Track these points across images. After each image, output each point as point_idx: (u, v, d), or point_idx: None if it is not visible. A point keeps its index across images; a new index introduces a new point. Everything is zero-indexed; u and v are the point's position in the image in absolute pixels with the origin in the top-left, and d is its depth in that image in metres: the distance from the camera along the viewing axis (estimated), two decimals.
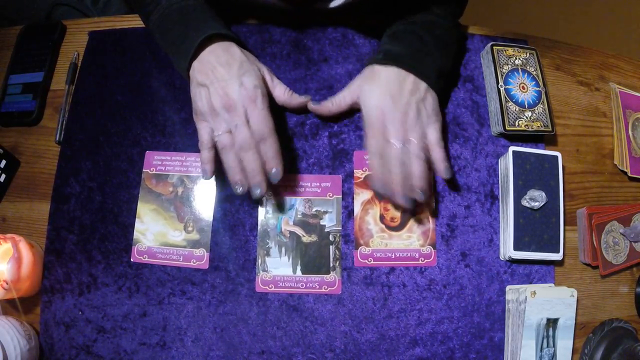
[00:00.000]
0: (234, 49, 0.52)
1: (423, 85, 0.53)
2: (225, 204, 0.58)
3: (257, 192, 0.49)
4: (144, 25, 0.64)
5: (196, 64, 0.51)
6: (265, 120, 0.49)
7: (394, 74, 0.52)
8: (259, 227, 0.57)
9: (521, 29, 0.69)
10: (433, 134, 0.52)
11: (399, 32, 0.56)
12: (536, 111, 0.59)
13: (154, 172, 0.59)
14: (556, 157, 0.57)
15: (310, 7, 0.59)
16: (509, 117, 0.58)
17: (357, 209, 0.58)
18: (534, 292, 0.53)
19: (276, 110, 0.61)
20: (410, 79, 0.52)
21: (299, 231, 0.57)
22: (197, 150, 0.59)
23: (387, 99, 0.51)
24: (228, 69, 0.50)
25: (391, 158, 0.50)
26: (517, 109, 0.59)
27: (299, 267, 0.56)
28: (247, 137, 0.49)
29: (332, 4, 0.56)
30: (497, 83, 0.60)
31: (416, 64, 0.53)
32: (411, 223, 0.58)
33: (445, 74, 0.57)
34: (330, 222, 0.57)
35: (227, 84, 0.49)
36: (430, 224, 0.58)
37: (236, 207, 0.58)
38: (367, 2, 0.57)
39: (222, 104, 0.49)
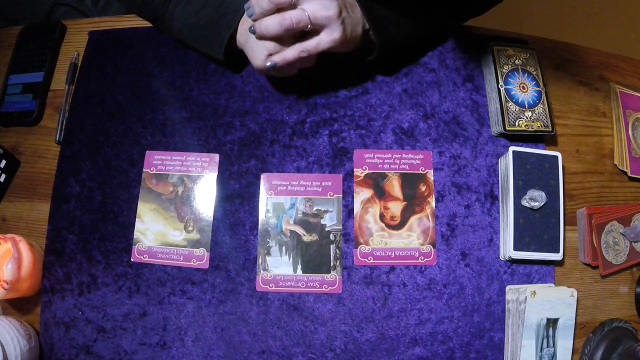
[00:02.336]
0: None
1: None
2: (226, 203, 0.58)
3: None
4: (143, 26, 0.64)
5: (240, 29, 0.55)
6: None
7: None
8: (259, 226, 0.57)
9: (521, 29, 0.69)
10: (324, 37, 0.52)
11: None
12: (536, 111, 0.59)
13: (154, 171, 0.59)
14: (556, 157, 0.57)
15: None
16: (509, 117, 0.58)
17: (357, 207, 0.58)
18: (534, 292, 0.53)
19: (276, 110, 0.61)
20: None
21: (299, 230, 0.57)
22: (197, 150, 0.59)
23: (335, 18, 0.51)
24: None
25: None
26: (517, 109, 0.59)
27: (299, 267, 0.56)
28: None
29: None
30: (497, 83, 0.60)
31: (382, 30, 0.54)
32: (411, 222, 0.58)
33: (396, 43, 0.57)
34: (330, 221, 0.57)
35: None
36: (430, 222, 0.58)
37: (236, 206, 0.58)
38: None
39: None
